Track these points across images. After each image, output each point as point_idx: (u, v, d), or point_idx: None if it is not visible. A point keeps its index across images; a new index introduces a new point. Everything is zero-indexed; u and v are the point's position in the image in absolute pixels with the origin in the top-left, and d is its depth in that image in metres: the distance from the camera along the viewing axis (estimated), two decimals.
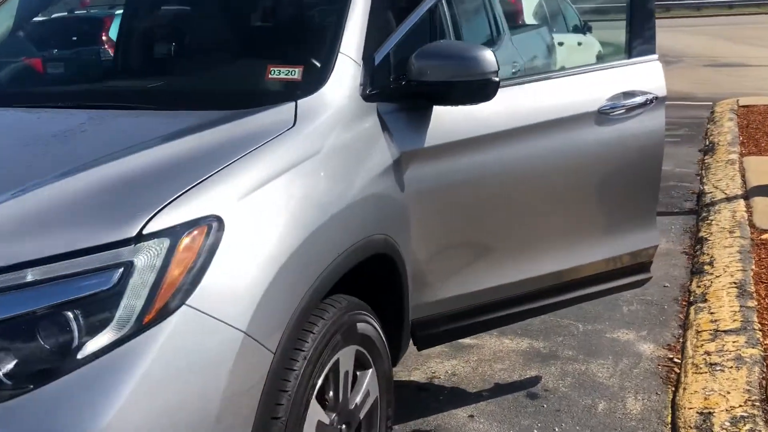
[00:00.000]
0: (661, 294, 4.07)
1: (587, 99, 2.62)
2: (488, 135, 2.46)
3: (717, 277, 4.08)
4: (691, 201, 5.90)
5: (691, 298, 3.93)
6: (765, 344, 3.21)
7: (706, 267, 4.27)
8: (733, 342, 3.24)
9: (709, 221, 5.14)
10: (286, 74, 2.22)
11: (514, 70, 3.68)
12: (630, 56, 2.76)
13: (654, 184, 2.82)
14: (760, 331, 3.33)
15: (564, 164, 2.60)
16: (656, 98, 2.73)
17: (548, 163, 2.57)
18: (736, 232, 4.75)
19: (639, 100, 2.70)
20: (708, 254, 4.48)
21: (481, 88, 2.23)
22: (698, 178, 6.62)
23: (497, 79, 2.22)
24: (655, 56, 2.77)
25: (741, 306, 3.60)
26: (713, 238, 4.75)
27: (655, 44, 2.77)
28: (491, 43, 3.78)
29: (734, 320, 3.45)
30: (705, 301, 3.79)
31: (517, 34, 4.46)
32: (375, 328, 2.17)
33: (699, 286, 4.04)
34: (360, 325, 2.08)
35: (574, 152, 2.60)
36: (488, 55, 2.20)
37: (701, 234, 4.92)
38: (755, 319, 3.43)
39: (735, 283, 3.91)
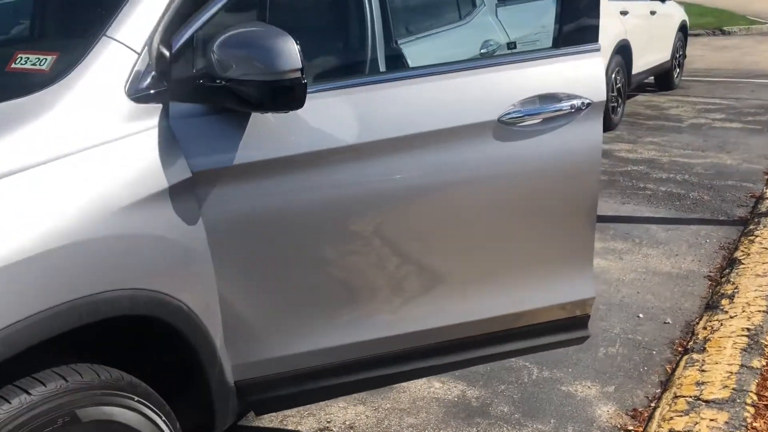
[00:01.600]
0: (656, 333, 3.31)
1: (482, 104, 1.92)
2: (334, 150, 1.84)
3: (731, 317, 3.27)
4: (746, 207, 4.96)
5: (690, 343, 3.15)
6: (753, 428, 2.45)
7: (723, 302, 3.45)
8: (710, 421, 2.48)
9: (752, 237, 4.25)
10: (33, 64, 1.68)
11: (484, 51, 2.98)
12: (558, 45, 2.03)
13: (586, 221, 2.09)
14: (754, 406, 2.55)
15: (441, 191, 1.93)
16: (589, 104, 2.00)
17: (417, 190, 1.91)
18: None
19: (562, 106, 1.97)
20: (733, 283, 3.64)
21: (285, 92, 1.61)
22: (766, 178, 5.62)
23: (304, 80, 1.60)
24: (596, 46, 2.02)
25: (742, 365, 2.81)
26: (748, 261, 3.89)
27: (597, 30, 2.02)
28: (449, 19, 3.08)
29: (725, 386, 2.68)
30: (703, 350, 3.02)
31: (513, 5, 3.70)
32: (127, 406, 1.63)
33: (706, 328, 3.25)
34: (84, 411, 1.54)
35: (456, 175, 1.92)
36: (287, 47, 1.58)
37: (736, 254, 4.05)
38: (753, 388, 2.65)
39: (749, 329, 3.10)
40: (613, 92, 7.16)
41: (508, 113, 1.94)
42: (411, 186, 1.90)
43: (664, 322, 3.40)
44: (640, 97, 9.04)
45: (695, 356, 2.98)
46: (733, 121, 7.66)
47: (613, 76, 7.10)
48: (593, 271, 2.20)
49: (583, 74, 2.00)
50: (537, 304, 2.15)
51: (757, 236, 4.24)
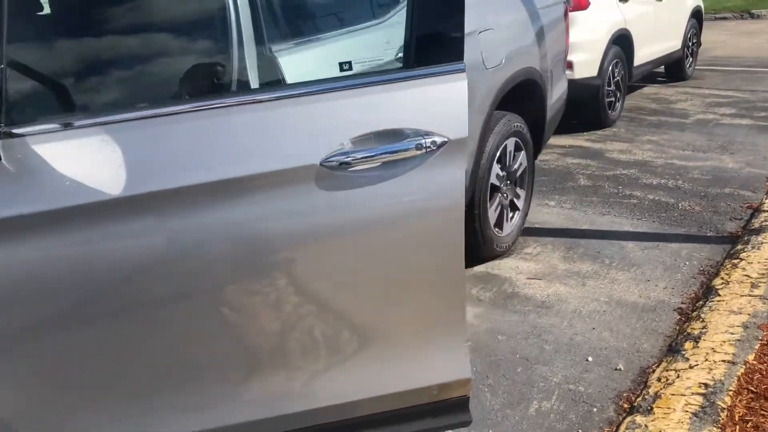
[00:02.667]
0: (603, 383, 2.85)
1: (301, 144, 1.49)
2: (87, 206, 1.42)
3: (691, 366, 2.80)
4: (739, 221, 4.44)
5: (639, 399, 2.69)
6: None
7: (687, 345, 2.97)
8: None
9: (737, 260, 3.74)
10: None
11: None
12: (410, 66, 1.58)
13: (451, 288, 1.64)
14: None
15: (252, 255, 1.50)
16: (445, 143, 1.55)
17: (217, 256, 1.49)
18: (760, 287, 3.36)
19: (407, 146, 1.53)
20: (703, 321, 3.16)
21: None
22: None
23: None
24: (460, 66, 1.57)
25: None
26: (726, 292, 3.39)
27: (461, 44, 1.56)
28: (358, 18, 2.63)
29: None
30: (650, 411, 2.56)
31: None
32: None
33: (660, 380, 2.78)
34: None
35: (269, 235, 1.49)
36: None
37: (714, 282, 3.55)
38: None
39: (707, 385, 2.63)
40: (610, 86, 6.62)
41: (335, 155, 1.50)
42: (207, 251, 1.48)
43: (615, 369, 2.94)
44: (647, 89, 8.45)
45: (638, 419, 2.52)
46: (744, 117, 7.06)
47: (611, 68, 6.55)
48: (466, 346, 1.75)
49: (438, 104, 1.55)
50: (395, 389, 1.72)
51: (742, 260, 3.73)
